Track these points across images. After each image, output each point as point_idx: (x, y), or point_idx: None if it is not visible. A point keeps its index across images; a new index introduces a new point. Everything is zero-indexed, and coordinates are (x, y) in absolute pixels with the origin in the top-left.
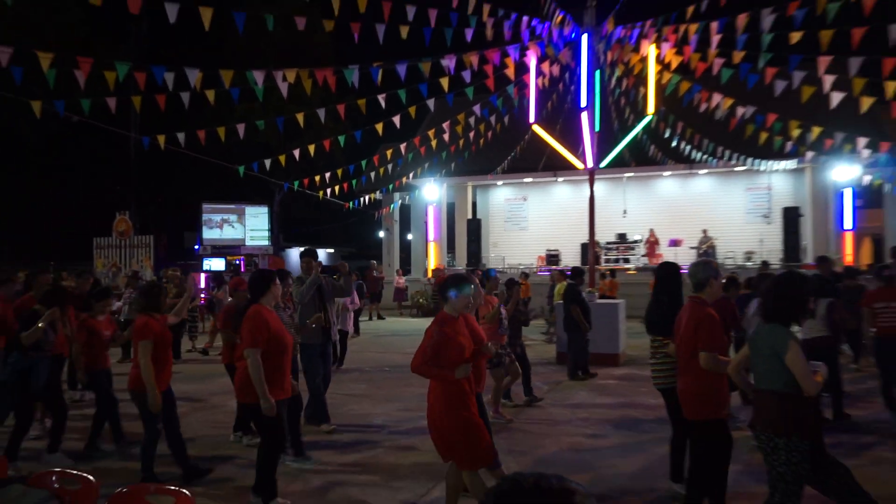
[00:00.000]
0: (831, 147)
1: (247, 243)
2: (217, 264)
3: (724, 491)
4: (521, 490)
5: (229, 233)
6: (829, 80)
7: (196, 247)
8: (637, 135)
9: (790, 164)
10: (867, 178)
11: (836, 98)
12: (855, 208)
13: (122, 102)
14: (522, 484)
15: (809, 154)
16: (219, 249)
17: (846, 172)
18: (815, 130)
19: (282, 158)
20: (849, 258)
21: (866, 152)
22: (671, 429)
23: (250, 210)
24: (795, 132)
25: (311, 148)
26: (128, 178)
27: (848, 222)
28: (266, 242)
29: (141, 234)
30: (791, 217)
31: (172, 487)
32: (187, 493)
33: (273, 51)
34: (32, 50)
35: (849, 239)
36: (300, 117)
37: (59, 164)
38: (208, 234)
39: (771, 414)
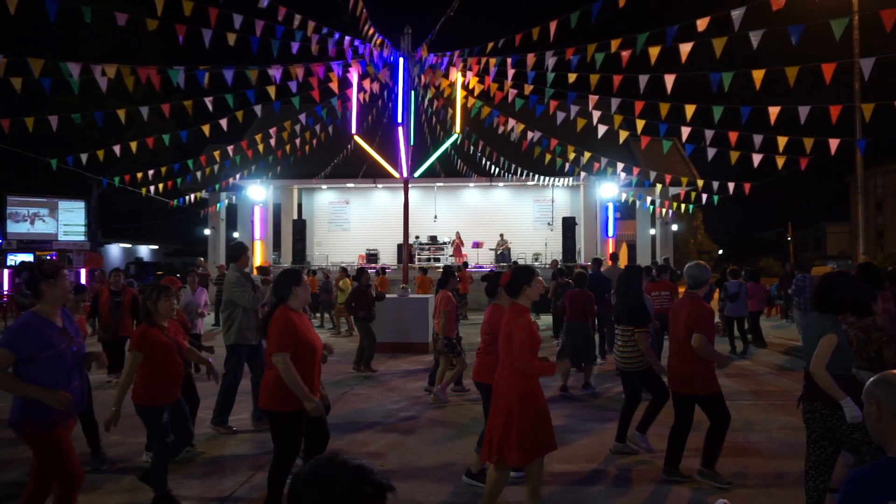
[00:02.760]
0: (598, 169)
1: (60, 238)
2: (24, 259)
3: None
4: (334, 462)
5: (40, 227)
6: (596, 114)
7: None
8: (446, 150)
9: (568, 181)
10: (623, 195)
11: (602, 129)
12: (615, 219)
13: None
14: (337, 458)
15: (583, 174)
16: (27, 244)
17: (609, 190)
18: (587, 155)
19: (100, 153)
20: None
21: (623, 174)
22: (625, 399)
23: (64, 204)
24: (572, 155)
25: (134, 145)
26: None
27: (610, 230)
28: (83, 238)
29: None
30: (569, 225)
31: None
32: None
33: (95, 44)
34: None
35: (611, 244)
36: (121, 113)
37: None
38: (14, 227)
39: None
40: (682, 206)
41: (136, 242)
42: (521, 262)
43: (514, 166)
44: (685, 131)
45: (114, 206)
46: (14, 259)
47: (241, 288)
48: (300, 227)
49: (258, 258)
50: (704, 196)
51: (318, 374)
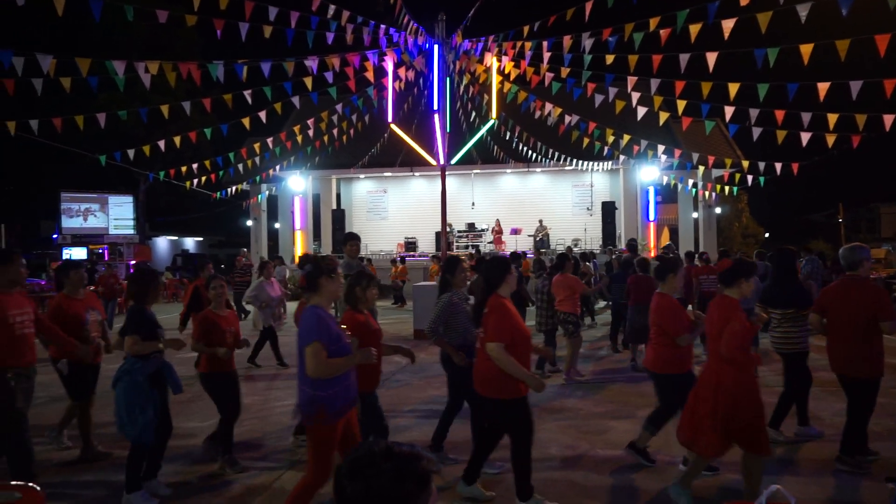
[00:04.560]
0: (638, 152)
1: (110, 232)
2: (78, 253)
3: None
4: (373, 454)
5: (92, 222)
6: (635, 96)
7: (54, 235)
8: (482, 136)
9: (607, 165)
10: (665, 179)
11: (642, 111)
12: (656, 203)
13: None
14: (375, 448)
15: (622, 157)
16: (80, 238)
17: (649, 173)
18: (626, 138)
19: (146, 148)
20: (652, 244)
21: (664, 157)
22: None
23: (114, 199)
24: (611, 138)
25: (177, 139)
26: None
27: (651, 215)
28: (131, 231)
29: None
30: (608, 210)
31: (15, 483)
32: (36, 487)
33: (135, 41)
34: None
35: (652, 228)
36: (165, 109)
37: None
38: (68, 222)
39: None
40: (726, 188)
41: (181, 235)
42: (560, 248)
43: (551, 151)
44: (729, 111)
45: (160, 200)
46: (69, 253)
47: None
48: (339, 217)
49: (299, 248)
50: (750, 177)
51: (528, 361)
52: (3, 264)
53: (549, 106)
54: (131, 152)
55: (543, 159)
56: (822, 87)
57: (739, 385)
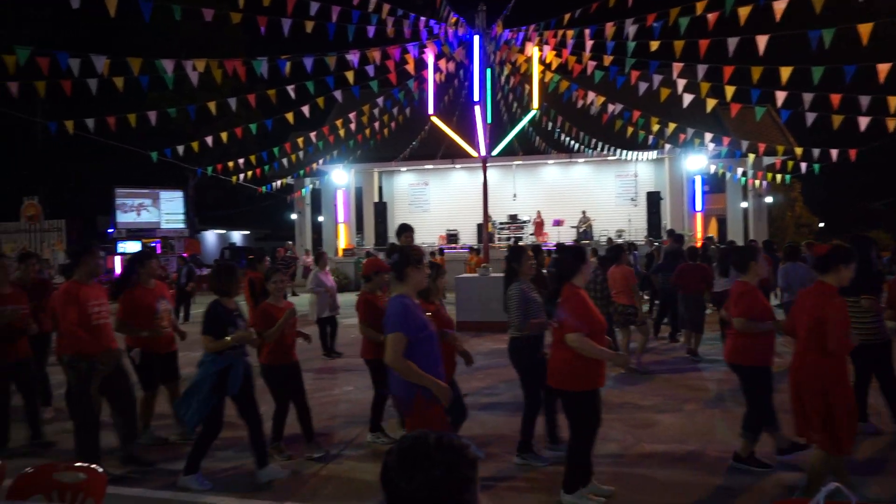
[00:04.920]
0: (684, 140)
1: (162, 226)
2: (132, 247)
3: None
4: (427, 445)
5: (145, 216)
6: (681, 83)
7: (110, 230)
8: (524, 127)
9: (652, 154)
10: (712, 167)
11: (688, 98)
12: (703, 193)
13: (25, 87)
14: (426, 439)
15: (667, 146)
16: (134, 233)
17: (696, 162)
18: (671, 126)
19: (194, 145)
20: (699, 234)
21: (711, 145)
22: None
23: (164, 195)
24: (655, 127)
25: (224, 135)
26: (36, 163)
27: (698, 205)
28: (182, 226)
29: (52, 219)
30: (653, 200)
31: (80, 464)
32: (98, 469)
33: (182, 40)
34: None
35: (699, 218)
36: (212, 105)
37: None
38: (123, 217)
39: None
40: (778, 176)
41: (229, 228)
42: (604, 239)
43: (594, 141)
44: (780, 96)
45: (208, 195)
46: (124, 246)
47: None
48: (381, 210)
49: (342, 241)
50: (803, 165)
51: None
52: (82, 256)
53: (591, 95)
54: (181, 148)
55: (586, 149)
56: (882, 69)
57: (838, 378)
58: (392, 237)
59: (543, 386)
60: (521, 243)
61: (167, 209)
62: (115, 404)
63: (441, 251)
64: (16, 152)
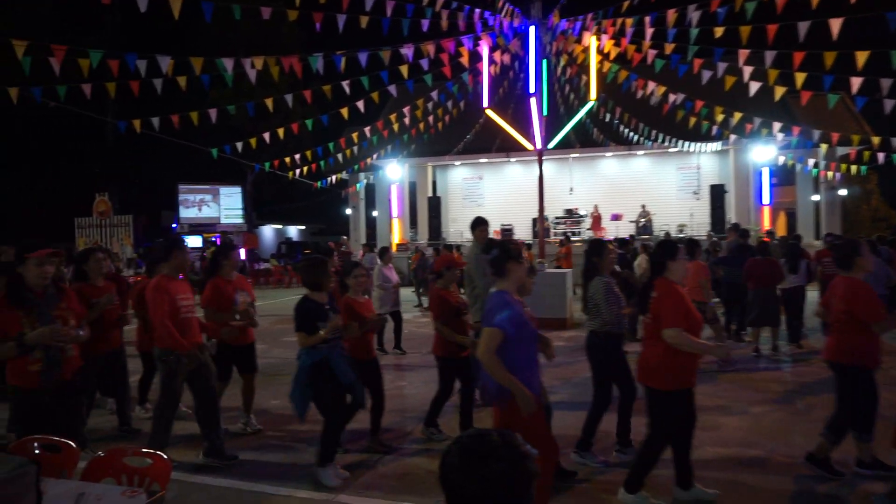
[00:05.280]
0: (751, 131)
1: (222, 221)
2: (194, 241)
3: None
4: (489, 441)
5: (206, 212)
6: (748, 70)
7: (173, 225)
8: (581, 119)
9: (716, 145)
10: (781, 159)
11: (755, 87)
12: (771, 185)
13: (96, 88)
14: (489, 436)
15: (732, 137)
16: (195, 227)
17: (764, 153)
18: (737, 115)
19: (253, 141)
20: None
21: (780, 135)
22: None
23: (224, 190)
24: (720, 117)
25: (281, 131)
26: (106, 161)
27: (766, 198)
28: (240, 220)
29: (120, 214)
30: (717, 193)
31: (148, 450)
32: (164, 456)
33: (241, 38)
34: (7, 38)
35: (766, 213)
36: (269, 102)
37: (39, 148)
38: (185, 213)
39: None
40: (853, 167)
41: (285, 223)
42: (662, 234)
43: (654, 132)
44: (855, 83)
45: (265, 190)
46: (186, 241)
47: (478, 269)
48: (435, 205)
49: (396, 235)
50: (881, 155)
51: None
52: (172, 252)
53: (651, 85)
54: (239, 145)
55: (646, 141)
56: None
57: None
58: (446, 231)
59: (623, 384)
60: (574, 239)
61: (226, 204)
62: (199, 396)
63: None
64: (89, 151)
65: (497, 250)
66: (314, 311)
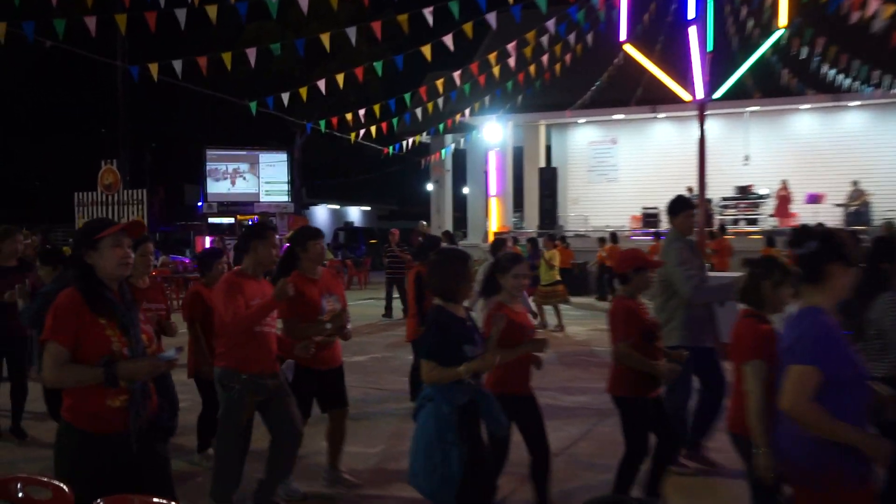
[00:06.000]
0: None
1: (261, 199)
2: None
3: None
4: None
5: (241, 186)
6: None
7: (199, 203)
8: (763, 55)
9: None
10: None
11: None
12: None
13: (103, 23)
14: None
15: None
16: (227, 207)
17: None
18: None
19: (303, 91)
20: None
21: None
22: None
23: (265, 157)
24: None
25: (340, 78)
26: (114, 119)
27: None
28: (285, 198)
29: (132, 188)
30: None
31: (45, 479)
32: (63, 486)
33: None
34: None
35: None
36: (325, 39)
37: (32, 102)
38: (214, 187)
39: None
40: None
41: (344, 203)
42: (883, 224)
43: (877, 74)
44: None
45: (318, 158)
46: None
47: (680, 264)
48: (549, 179)
49: (494, 221)
50: None
51: None
52: (256, 241)
53: (874, 2)
54: (286, 97)
55: (862, 87)
56: None
57: None
58: (564, 216)
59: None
60: (752, 230)
61: (268, 176)
62: (276, 433)
63: (614, 237)
64: (93, 107)
65: (814, 243)
66: (456, 329)
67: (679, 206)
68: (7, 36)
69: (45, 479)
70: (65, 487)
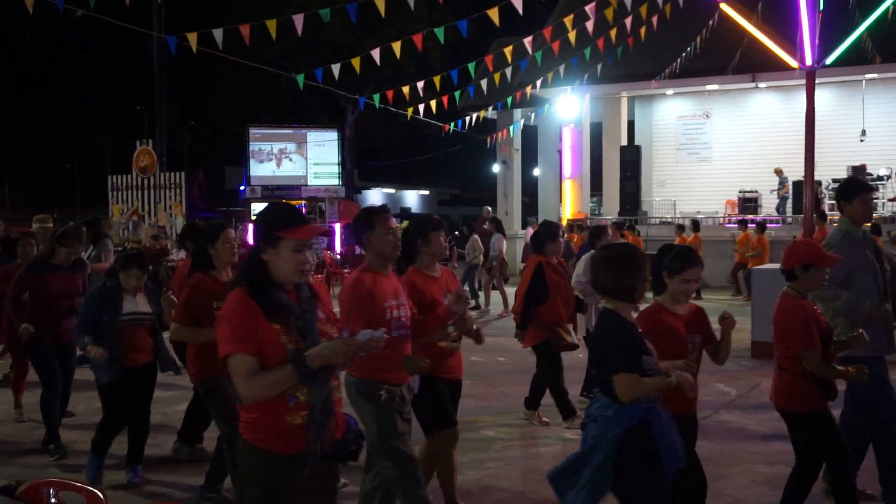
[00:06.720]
0: None
1: (309, 182)
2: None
3: None
4: None
5: (287, 168)
6: None
7: (241, 187)
8: (884, 12)
9: None
10: None
11: None
12: None
13: None
14: None
15: None
16: (272, 191)
17: None
18: None
19: (355, 62)
20: None
21: None
22: None
23: (313, 136)
24: None
25: (397, 46)
26: (150, 96)
27: None
28: (336, 182)
29: (169, 171)
30: None
31: (79, 484)
32: (98, 493)
33: None
34: None
35: None
36: (380, 2)
37: (63, 78)
38: (258, 169)
39: None
40: None
41: (400, 186)
42: None
43: None
44: None
45: (372, 137)
46: (258, 210)
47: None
48: (632, 158)
49: (568, 206)
50: None
51: None
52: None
53: None
54: (336, 68)
55: None
56: None
57: None
58: (649, 201)
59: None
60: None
61: (316, 157)
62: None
63: (696, 225)
64: (127, 82)
65: None
66: (636, 336)
67: (854, 188)
68: (36, 4)
69: (79, 485)
70: (100, 493)
